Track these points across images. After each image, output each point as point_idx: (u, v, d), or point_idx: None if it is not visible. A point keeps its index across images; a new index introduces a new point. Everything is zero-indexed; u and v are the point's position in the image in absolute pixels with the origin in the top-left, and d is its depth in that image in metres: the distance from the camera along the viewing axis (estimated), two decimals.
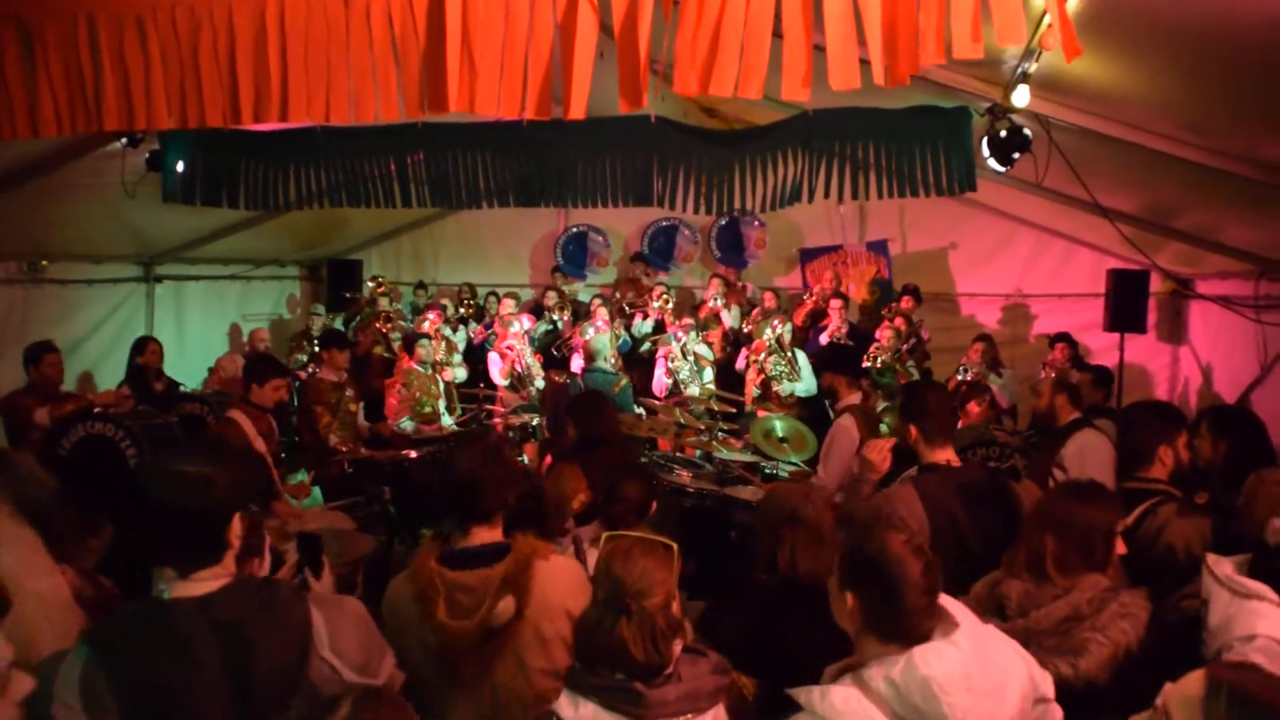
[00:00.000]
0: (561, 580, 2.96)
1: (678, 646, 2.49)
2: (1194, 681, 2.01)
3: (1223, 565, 3.02)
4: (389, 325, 10.60)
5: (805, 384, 8.80)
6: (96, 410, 6.26)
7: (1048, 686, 2.46)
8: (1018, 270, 11.12)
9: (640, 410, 8.03)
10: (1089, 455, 5.18)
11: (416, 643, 2.87)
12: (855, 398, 6.16)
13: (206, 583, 2.22)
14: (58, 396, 7.02)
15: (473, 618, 2.80)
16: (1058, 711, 2.49)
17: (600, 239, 12.80)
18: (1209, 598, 2.98)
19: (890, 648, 2.30)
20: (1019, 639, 2.85)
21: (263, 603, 2.23)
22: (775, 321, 9.20)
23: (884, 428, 7.90)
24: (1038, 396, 5.69)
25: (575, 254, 12.85)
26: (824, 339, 9.84)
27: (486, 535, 2.97)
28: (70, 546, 3.61)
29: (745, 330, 10.24)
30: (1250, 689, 1.94)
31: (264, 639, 2.17)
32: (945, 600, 2.39)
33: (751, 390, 9.17)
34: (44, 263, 8.52)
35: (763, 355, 9.05)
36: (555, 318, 11.06)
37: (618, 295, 11.61)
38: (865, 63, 3.59)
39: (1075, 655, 2.82)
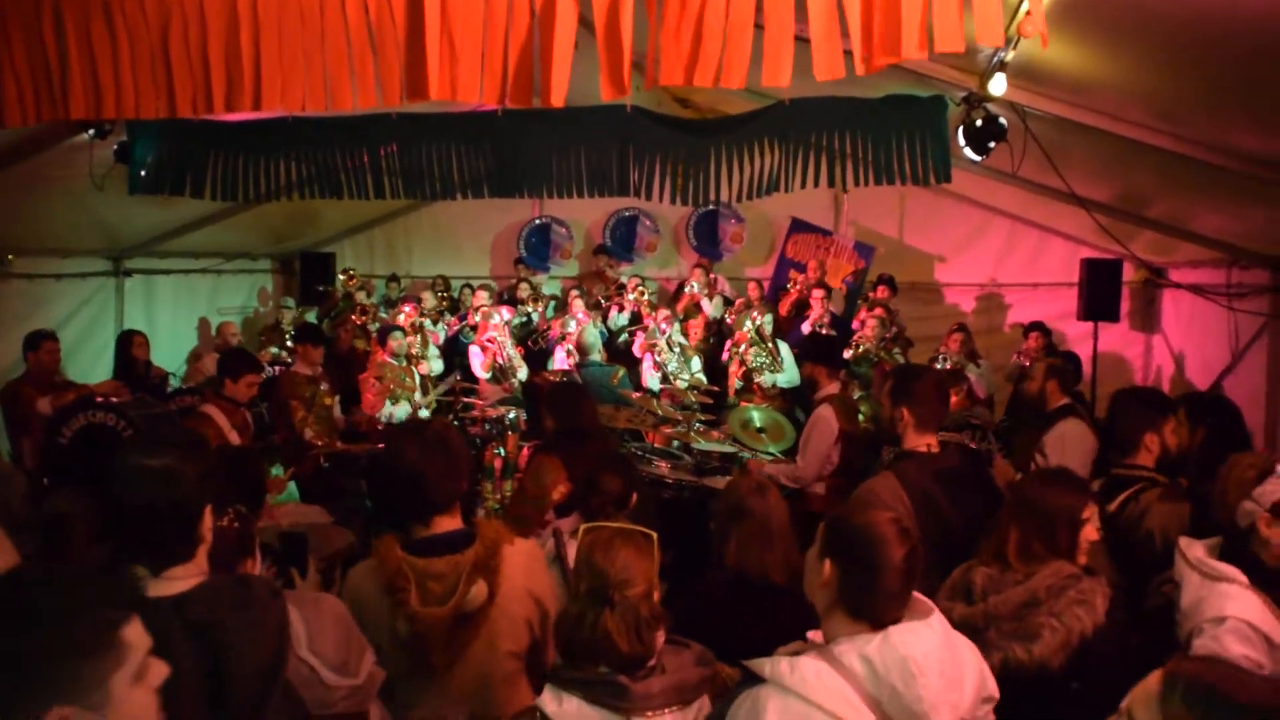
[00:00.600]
0: (524, 563, 2.97)
1: (660, 637, 2.47)
2: (1153, 679, 2.00)
3: (1194, 548, 3.06)
4: (364, 318, 10.51)
5: (788, 375, 8.78)
6: (99, 400, 6.21)
7: (994, 687, 2.45)
8: (992, 260, 11.19)
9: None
10: (1069, 442, 5.22)
11: (385, 634, 2.84)
12: (834, 387, 6.16)
13: (179, 582, 2.17)
14: (57, 385, 6.98)
15: (445, 604, 2.78)
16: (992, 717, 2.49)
17: (563, 231, 12.73)
18: (1181, 580, 3.03)
19: (860, 626, 2.27)
20: (979, 622, 2.92)
21: (238, 602, 2.18)
22: (754, 313, 9.19)
23: (860, 416, 7.95)
24: (1029, 380, 5.73)
25: (538, 246, 12.77)
26: (805, 328, 9.84)
27: (448, 523, 2.94)
28: (78, 550, 3.56)
29: (728, 321, 10.22)
30: (1206, 680, 1.92)
31: (240, 639, 2.12)
32: (919, 596, 2.38)
33: (734, 382, 9.17)
34: (10, 257, 8.38)
35: (743, 347, 9.04)
36: (529, 310, 11.02)
37: (583, 288, 11.55)
38: (847, 52, 3.58)
39: (1029, 640, 2.86)
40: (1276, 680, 1.94)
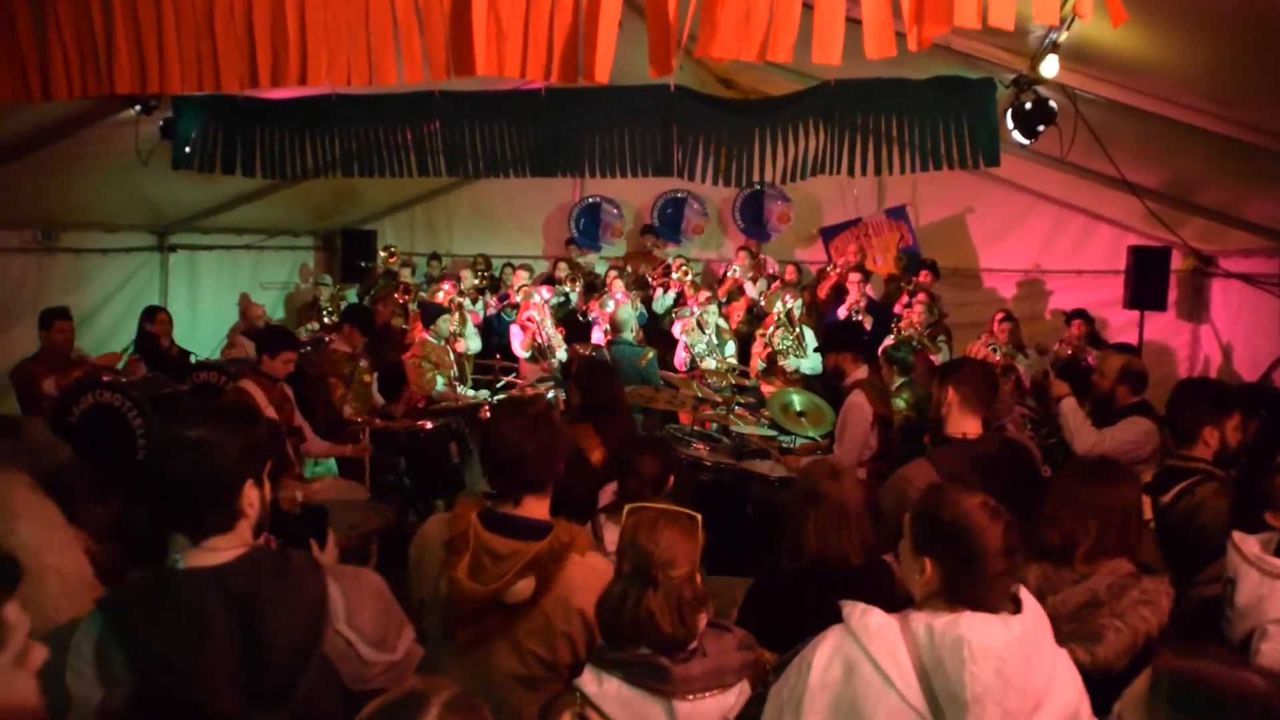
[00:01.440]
0: (588, 580, 2.83)
1: (703, 620, 2.45)
2: (1142, 680, 1.84)
3: (1249, 543, 2.94)
4: (407, 296, 10.55)
5: (810, 361, 8.76)
6: (106, 379, 6.26)
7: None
8: (1036, 246, 11.02)
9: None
10: (1129, 434, 5.08)
11: (432, 587, 2.83)
12: (862, 372, 6.08)
13: (221, 553, 2.17)
14: (67, 363, 7.03)
15: (488, 586, 2.74)
16: None
17: (614, 210, 12.69)
18: (1236, 577, 2.90)
19: (958, 609, 2.22)
20: None
21: (278, 574, 2.18)
22: (786, 296, 9.15)
23: (900, 403, 7.87)
24: (1099, 376, 5.60)
25: (589, 225, 12.74)
26: (841, 312, 9.77)
27: (536, 507, 2.90)
28: (81, 511, 3.61)
29: (763, 304, 10.18)
30: (1193, 677, 1.75)
31: (278, 611, 2.12)
32: (1024, 594, 2.30)
33: (756, 363, 9.14)
34: (57, 232, 8.49)
35: (771, 329, 9.01)
36: (567, 289, 11.02)
37: (629, 269, 11.54)
38: (899, 34, 3.53)
39: (1092, 642, 2.75)
40: (1270, 672, 1.80)
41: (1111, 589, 2.85)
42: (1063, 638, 2.75)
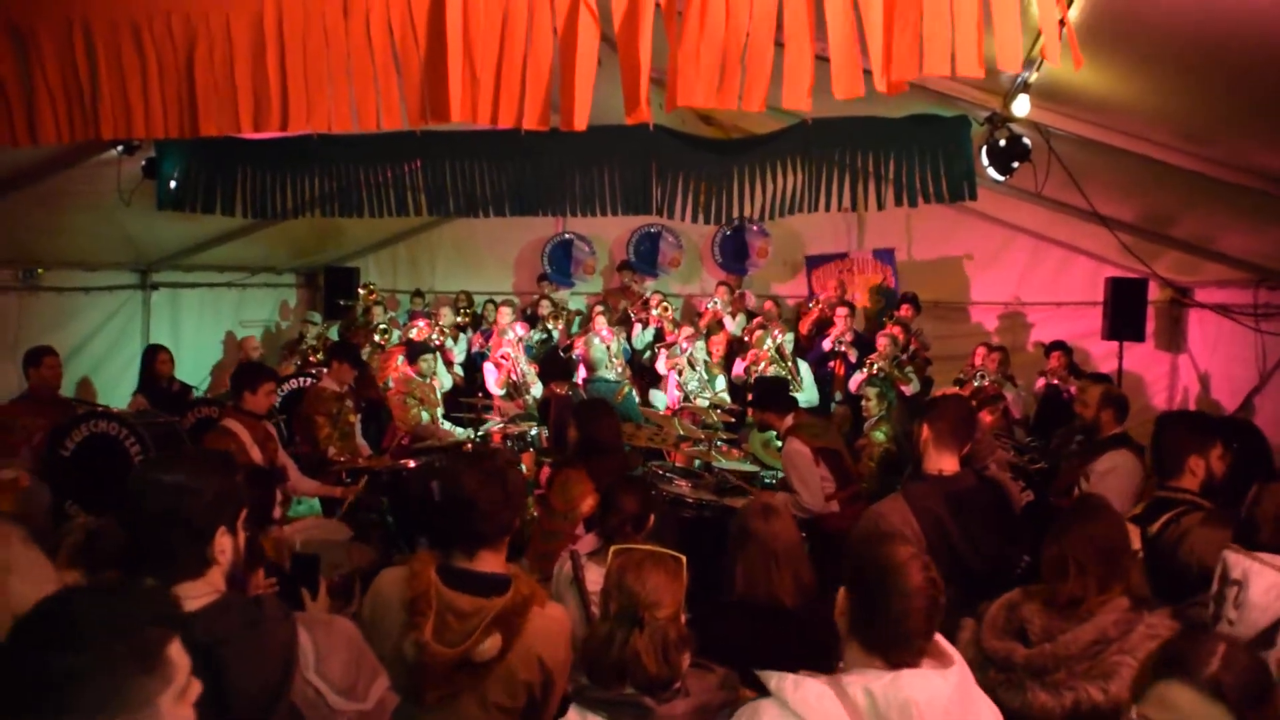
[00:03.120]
0: (548, 630, 2.88)
1: (686, 660, 2.47)
2: (1184, 694, 1.91)
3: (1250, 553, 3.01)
4: (385, 337, 10.52)
5: (807, 394, 8.77)
6: (100, 409, 6.19)
7: None
8: (1016, 278, 11.12)
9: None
10: (1114, 473, 5.10)
11: (393, 647, 2.81)
12: (790, 420, 6.10)
13: (190, 600, 2.17)
14: (58, 401, 6.98)
15: (457, 646, 2.73)
16: None
17: (585, 247, 12.78)
18: (1246, 577, 2.93)
19: (873, 660, 2.22)
20: (1048, 664, 2.83)
21: (247, 623, 2.18)
22: (775, 331, 9.19)
23: (880, 435, 7.92)
24: (1082, 405, 5.62)
25: (561, 262, 12.82)
26: (826, 345, 9.82)
27: (492, 561, 2.88)
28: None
29: (745, 340, 10.22)
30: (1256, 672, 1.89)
31: (244, 660, 2.12)
32: (942, 641, 2.31)
33: None
34: (39, 270, 8.49)
35: (763, 365, 9.04)
36: (549, 326, 11.05)
37: (606, 304, 11.59)
38: (867, 72, 3.58)
39: (1106, 680, 2.78)
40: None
41: (1118, 625, 2.87)
42: (1076, 677, 2.79)
